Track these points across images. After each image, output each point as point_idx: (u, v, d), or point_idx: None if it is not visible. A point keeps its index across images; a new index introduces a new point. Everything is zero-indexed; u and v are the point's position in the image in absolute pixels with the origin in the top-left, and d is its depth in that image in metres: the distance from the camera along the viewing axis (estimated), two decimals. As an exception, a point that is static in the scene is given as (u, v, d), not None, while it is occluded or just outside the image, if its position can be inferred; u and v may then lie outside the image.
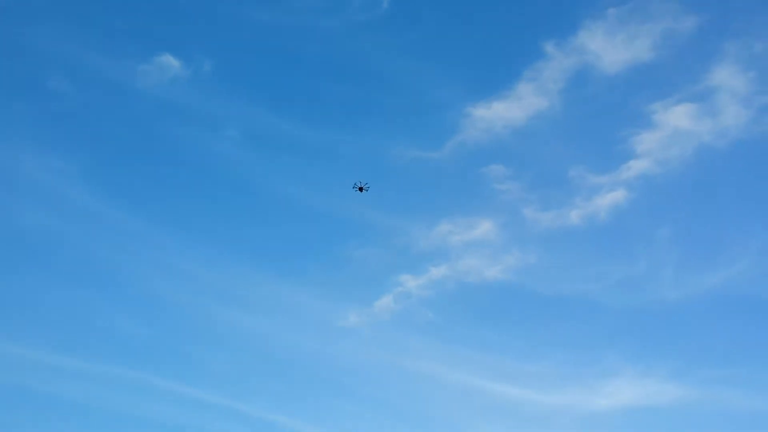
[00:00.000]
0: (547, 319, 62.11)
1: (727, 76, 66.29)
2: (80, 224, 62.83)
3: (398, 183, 67.97)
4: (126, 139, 67.91)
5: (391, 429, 55.64)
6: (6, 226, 61.19)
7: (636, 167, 66.03)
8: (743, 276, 60.97)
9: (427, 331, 61.01)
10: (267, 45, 71.91)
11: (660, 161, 66.07)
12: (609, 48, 68.58)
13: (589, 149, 68.62)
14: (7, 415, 52.21)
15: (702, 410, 55.47)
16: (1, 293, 58.10)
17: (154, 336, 58.56)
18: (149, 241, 63.01)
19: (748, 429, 54.19)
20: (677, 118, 66.78)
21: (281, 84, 71.55)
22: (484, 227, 65.66)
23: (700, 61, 67.69)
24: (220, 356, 58.42)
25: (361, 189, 58.34)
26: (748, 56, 66.70)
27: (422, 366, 59.07)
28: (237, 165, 67.93)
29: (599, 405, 56.73)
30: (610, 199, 65.39)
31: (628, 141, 67.06)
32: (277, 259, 64.69)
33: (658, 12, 69.42)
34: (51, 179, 63.71)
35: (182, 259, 62.71)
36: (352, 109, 70.98)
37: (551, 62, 68.99)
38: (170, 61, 68.35)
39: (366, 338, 60.26)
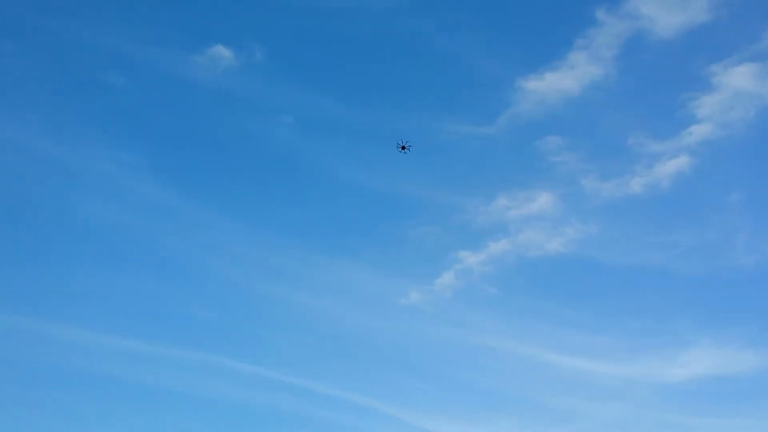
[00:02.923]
0: (614, 289, 60.65)
1: (788, 33, 64.23)
2: (148, 215, 62.75)
3: (453, 159, 66.60)
4: (185, 130, 67.44)
5: (461, 404, 54.55)
6: (80, 221, 61.52)
7: (698, 132, 64.06)
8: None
9: (491, 306, 59.91)
10: (315, 28, 70.94)
11: (722, 125, 64.07)
12: (663, 11, 66.63)
13: (647, 116, 66.73)
14: (95, 403, 52.72)
15: (783, 377, 53.87)
16: (81, 287, 58.46)
17: (226, 321, 58.65)
18: (216, 229, 62.84)
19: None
20: (738, 79, 64.58)
21: (332, 67, 70.57)
22: (543, 200, 64.28)
23: (759, 19, 65.45)
24: (289, 337, 58.18)
25: (403, 147, 57.82)
26: (811, 10, 64.60)
27: (489, 341, 57.96)
28: (294, 150, 67.23)
29: (675, 375, 55.20)
30: (672, 165, 63.56)
31: (687, 106, 65.16)
32: (337, 240, 63.83)
33: (713, -29, 67.50)
34: (118, 172, 63.71)
35: (248, 245, 62.46)
36: (404, 88, 69.75)
37: (603, 29, 67.31)
38: (222, 52, 68.07)
39: (429, 315, 59.31)
